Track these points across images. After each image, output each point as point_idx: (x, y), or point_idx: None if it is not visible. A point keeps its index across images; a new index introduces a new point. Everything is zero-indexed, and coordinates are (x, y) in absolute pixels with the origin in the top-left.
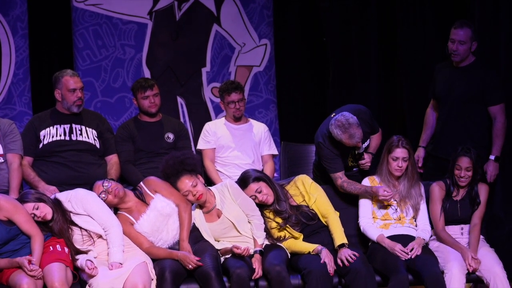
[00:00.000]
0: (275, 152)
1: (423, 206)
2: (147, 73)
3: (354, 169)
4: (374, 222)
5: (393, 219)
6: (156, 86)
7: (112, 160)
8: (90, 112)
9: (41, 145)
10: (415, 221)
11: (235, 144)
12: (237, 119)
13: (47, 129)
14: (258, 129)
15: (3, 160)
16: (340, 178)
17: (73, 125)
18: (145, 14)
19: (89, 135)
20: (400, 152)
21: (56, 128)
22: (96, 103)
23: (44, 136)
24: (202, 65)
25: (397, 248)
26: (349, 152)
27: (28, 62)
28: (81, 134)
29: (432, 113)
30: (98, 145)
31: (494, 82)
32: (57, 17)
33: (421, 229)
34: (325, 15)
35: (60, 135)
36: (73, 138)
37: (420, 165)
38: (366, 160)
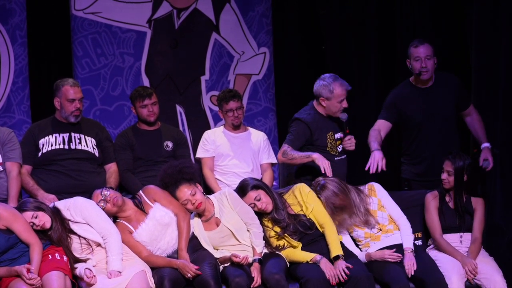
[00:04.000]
0: (274, 160)
1: (384, 202)
2: (146, 82)
3: (338, 147)
4: (363, 247)
5: (376, 232)
6: (154, 94)
7: (111, 168)
8: (89, 120)
9: (40, 154)
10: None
11: (234, 152)
12: (236, 127)
13: (46, 138)
14: (257, 137)
15: (2, 169)
16: (288, 148)
17: (72, 134)
18: (144, 23)
19: (88, 144)
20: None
21: (55, 137)
22: (95, 111)
23: (43, 145)
24: (201, 73)
25: (386, 254)
26: (328, 129)
27: (27, 71)
28: (80, 143)
29: (377, 132)
30: (97, 154)
31: (463, 89)
32: (56, 25)
33: (402, 229)
34: (324, 23)
35: (59, 144)
36: (72, 147)
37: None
38: (351, 139)
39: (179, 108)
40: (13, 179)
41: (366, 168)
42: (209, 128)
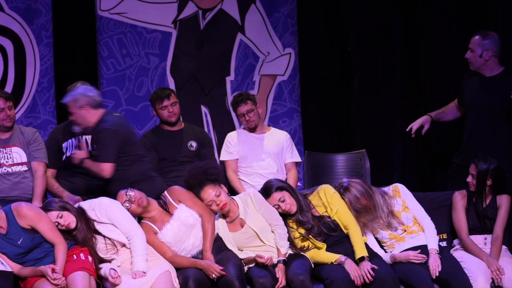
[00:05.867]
0: (298, 159)
1: (409, 203)
2: (171, 82)
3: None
4: (388, 248)
5: (400, 233)
6: (173, 95)
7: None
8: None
9: (64, 157)
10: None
11: (258, 153)
12: (252, 130)
13: (69, 141)
14: (280, 137)
15: (27, 168)
16: None
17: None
18: (169, 23)
19: None
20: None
21: (78, 139)
22: (121, 112)
23: (66, 148)
24: (226, 74)
25: (411, 256)
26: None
27: (53, 71)
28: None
29: (455, 108)
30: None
31: None
32: (82, 26)
33: (427, 230)
34: (349, 24)
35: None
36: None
37: (423, 133)
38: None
39: (204, 109)
40: (39, 179)
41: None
42: (234, 128)
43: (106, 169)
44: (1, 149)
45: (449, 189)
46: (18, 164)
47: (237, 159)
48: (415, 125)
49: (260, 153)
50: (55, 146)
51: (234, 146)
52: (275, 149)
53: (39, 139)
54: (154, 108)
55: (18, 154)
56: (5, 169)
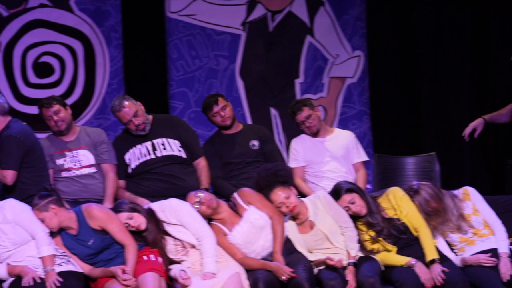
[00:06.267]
0: (365, 158)
1: (479, 206)
2: (240, 84)
3: None
4: (458, 252)
5: (471, 237)
6: (221, 99)
7: (200, 164)
8: (163, 119)
9: (130, 170)
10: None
11: (324, 157)
12: (315, 134)
13: (130, 151)
14: (345, 137)
15: (96, 170)
16: None
17: (154, 141)
18: (238, 25)
19: (172, 147)
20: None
21: (139, 149)
22: (190, 114)
23: (129, 159)
24: (295, 76)
25: (481, 259)
26: None
27: (122, 72)
28: (164, 148)
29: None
30: (184, 155)
31: None
32: (151, 27)
33: (497, 234)
34: (419, 26)
35: (145, 155)
36: (158, 154)
37: (476, 136)
38: None
39: (273, 111)
40: (109, 180)
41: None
42: (303, 131)
43: (8, 176)
44: (68, 153)
45: (507, 192)
46: (86, 166)
47: (304, 166)
48: (467, 129)
49: (326, 156)
50: (120, 158)
51: (299, 152)
52: (341, 152)
53: (106, 140)
54: (208, 117)
55: (85, 157)
56: (73, 173)
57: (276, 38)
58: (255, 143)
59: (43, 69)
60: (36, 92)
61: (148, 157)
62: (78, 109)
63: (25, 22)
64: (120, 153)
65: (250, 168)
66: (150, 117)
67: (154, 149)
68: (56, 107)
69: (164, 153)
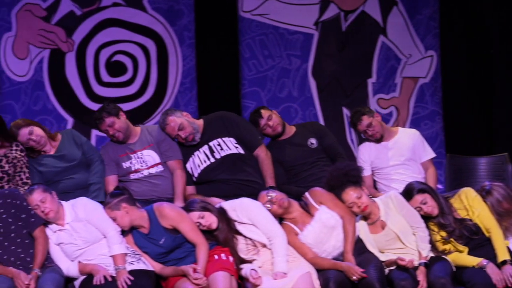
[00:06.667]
0: (433, 154)
1: None
2: (312, 84)
3: None
4: None
5: None
6: (263, 110)
7: (260, 156)
8: (214, 119)
9: (194, 179)
10: None
11: (391, 161)
12: (379, 141)
13: (190, 161)
14: (410, 138)
15: (163, 168)
16: None
17: (210, 143)
18: (311, 25)
19: (229, 146)
20: None
21: (197, 156)
22: None
23: (191, 168)
24: (368, 76)
25: None
26: None
27: (195, 72)
28: (222, 148)
29: None
30: (242, 151)
31: None
32: (224, 26)
33: None
34: (492, 26)
35: (205, 161)
36: (217, 156)
37: None
38: None
39: (345, 111)
40: (177, 177)
41: None
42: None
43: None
44: (133, 155)
45: None
46: (152, 166)
47: (371, 174)
48: None
49: (393, 161)
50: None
51: (365, 162)
52: (407, 153)
53: (168, 136)
54: (258, 129)
55: (150, 157)
56: (142, 173)
57: (349, 38)
58: (312, 141)
59: (116, 68)
60: (108, 91)
61: (208, 162)
62: (150, 108)
63: (98, 21)
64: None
65: (316, 168)
66: (200, 122)
67: (212, 152)
68: (109, 120)
69: (222, 153)
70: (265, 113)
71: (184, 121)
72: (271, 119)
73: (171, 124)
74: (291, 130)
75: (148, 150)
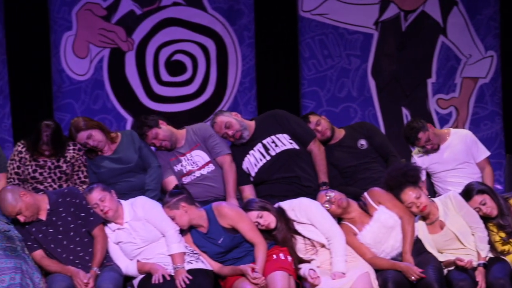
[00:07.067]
0: (487, 153)
1: None
2: (372, 84)
3: None
4: None
5: None
6: (311, 116)
7: (313, 151)
8: (266, 117)
9: (252, 178)
10: None
11: (447, 166)
12: (436, 150)
13: (246, 160)
14: (462, 140)
15: (214, 167)
16: None
17: (264, 141)
18: (371, 25)
19: (283, 142)
20: None
21: (252, 155)
22: (321, 113)
23: (247, 168)
24: (428, 76)
25: None
26: None
27: (254, 71)
28: (276, 145)
29: None
30: (296, 146)
31: None
32: (284, 26)
33: None
34: None
35: (260, 159)
36: (272, 153)
37: None
38: None
39: (404, 111)
40: (227, 173)
41: None
42: None
43: None
44: (182, 158)
45: None
46: (203, 166)
47: (424, 181)
48: None
49: (448, 164)
50: (239, 166)
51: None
52: (461, 156)
53: (213, 133)
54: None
55: (199, 157)
56: (194, 175)
57: (409, 38)
58: (362, 143)
59: (175, 67)
60: (168, 90)
61: (264, 161)
62: (209, 107)
63: (158, 20)
64: (237, 163)
65: (371, 169)
66: (250, 122)
67: (266, 149)
68: (152, 133)
69: (277, 150)
70: (313, 118)
71: (231, 119)
72: (319, 124)
73: (218, 124)
74: (340, 133)
75: (196, 150)
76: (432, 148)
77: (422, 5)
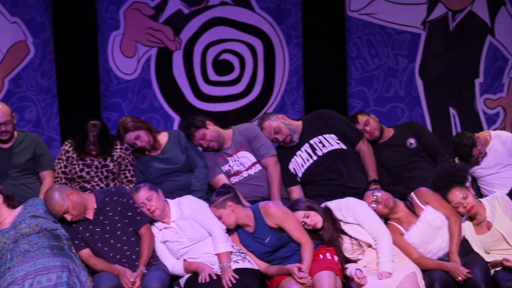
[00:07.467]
0: None
1: None
2: (419, 83)
3: None
4: None
5: None
6: (359, 116)
7: (362, 150)
8: (313, 118)
9: (299, 179)
10: None
11: (491, 170)
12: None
13: (293, 161)
14: (503, 143)
15: (261, 168)
16: None
17: (311, 142)
18: (418, 24)
19: (331, 142)
20: None
21: (299, 155)
22: (368, 112)
23: (294, 169)
24: (475, 76)
25: None
26: None
27: (302, 71)
28: (323, 145)
29: None
30: (344, 146)
31: None
32: (331, 26)
33: None
34: None
35: (307, 160)
36: (319, 153)
37: None
38: None
39: (452, 111)
40: (271, 175)
41: None
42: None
43: None
44: (230, 158)
45: None
46: (250, 167)
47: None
48: None
49: (491, 169)
50: (285, 167)
51: None
52: (504, 159)
53: (258, 133)
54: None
55: (246, 158)
56: (241, 175)
57: (456, 38)
58: (411, 142)
59: (223, 67)
60: (215, 90)
61: (310, 161)
62: (256, 107)
63: (205, 19)
64: (284, 164)
65: (420, 170)
66: (298, 123)
67: (313, 149)
68: (199, 134)
69: (324, 150)
70: (362, 118)
71: (280, 124)
72: (368, 124)
73: (267, 128)
74: (389, 132)
75: (242, 151)
76: (482, 157)
77: (470, 5)
